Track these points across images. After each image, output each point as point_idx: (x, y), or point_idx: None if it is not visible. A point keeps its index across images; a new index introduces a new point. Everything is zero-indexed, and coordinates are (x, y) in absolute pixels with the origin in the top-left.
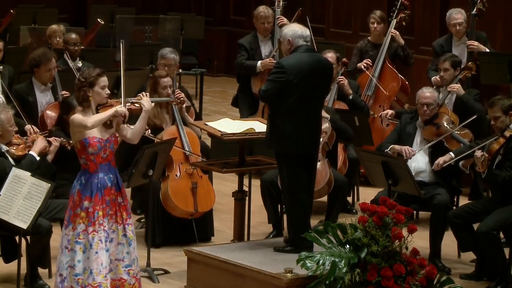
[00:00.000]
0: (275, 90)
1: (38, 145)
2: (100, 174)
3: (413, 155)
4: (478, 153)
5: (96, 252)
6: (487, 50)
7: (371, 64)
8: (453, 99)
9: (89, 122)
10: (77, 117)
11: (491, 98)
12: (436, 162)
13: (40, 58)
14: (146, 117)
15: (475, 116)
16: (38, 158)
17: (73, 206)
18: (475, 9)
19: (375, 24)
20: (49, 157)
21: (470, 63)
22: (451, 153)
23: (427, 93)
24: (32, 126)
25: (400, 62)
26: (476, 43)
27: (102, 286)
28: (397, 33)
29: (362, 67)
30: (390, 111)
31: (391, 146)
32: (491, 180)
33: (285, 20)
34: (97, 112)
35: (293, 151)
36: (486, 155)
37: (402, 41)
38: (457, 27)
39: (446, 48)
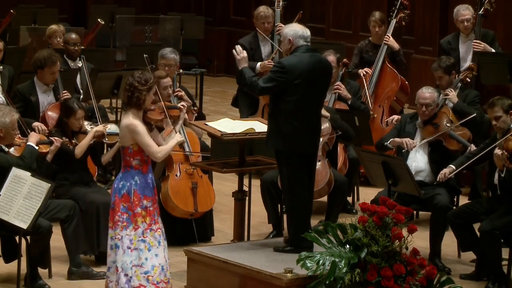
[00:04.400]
0: (274, 89)
1: (33, 136)
2: (150, 175)
3: (414, 147)
4: (499, 152)
5: (164, 249)
6: (493, 50)
7: (370, 73)
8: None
9: (160, 153)
10: (142, 129)
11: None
12: (442, 173)
13: (45, 60)
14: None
15: (474, 115)
16: (37, 148)
17: (130, 206)
18: (482, 9)
19: (377, 27)
20: (49, 157)
21: (471, 63)
22: (451, 165)
23: (426, 93)
24: (41, 124)
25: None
26: (482, 44)
27: (170, 281)
28: (391, 38)
29: (362, 74)
30: (396, 117)
31: (391, 140)
32: (510, 178)
33: (284, 27)
34: (144, 115)
35: (293, 151)
36: (506, 153)
37: (396, 46)
38: (465, 23)
39: (453, 45)
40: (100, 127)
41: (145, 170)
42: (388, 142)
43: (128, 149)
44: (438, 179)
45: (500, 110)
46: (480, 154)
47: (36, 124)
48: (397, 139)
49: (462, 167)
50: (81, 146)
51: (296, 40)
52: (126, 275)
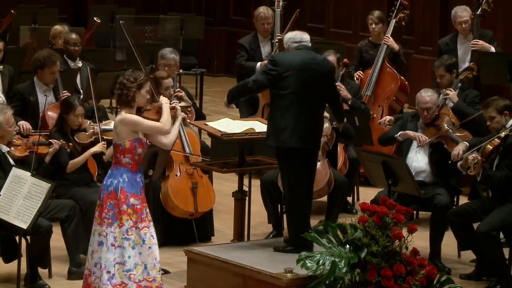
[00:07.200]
0: (264, 82)
1: None
2: (139, 174)
3: (426, 143)
4: (470, 156)
5: (150, 247)
6: (492, 48)
7: (362, 76)
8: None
9: (165, 126)
10: (138, 117)
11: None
12: (456, 152)
13: (45, 60)
14: (180, 121)
15: (480, 112)
16: None
17: (117, 203)
18: (479, 9)
19: (373, 25)
20: (47, 159)
21: (471, 63)
22: (465, 142)
23: (426, 97)
24: (26, 123)
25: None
26: (480, 42)
27: (156, 280)
28: (391, 39)
29: (355, 78)
30: (388, 117)
31: (401, 132)
32: (487, 181)
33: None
34: (140, 115)
35: (287, 145)
36: (479, 157)
37: (396, 47)
38: (463, 25)
39: (451, 47)
40: (98, 148)
41: (134, 169)
42: (398, 134)
43: (120, 146)
44: (452, 158)
45: (494, 111)
46: (494, 137)
47: (21, 122)
48: (409, 132)
49: (476, 148)
50: (75, 163)
51: (287, 44)
52: (108, 272)
